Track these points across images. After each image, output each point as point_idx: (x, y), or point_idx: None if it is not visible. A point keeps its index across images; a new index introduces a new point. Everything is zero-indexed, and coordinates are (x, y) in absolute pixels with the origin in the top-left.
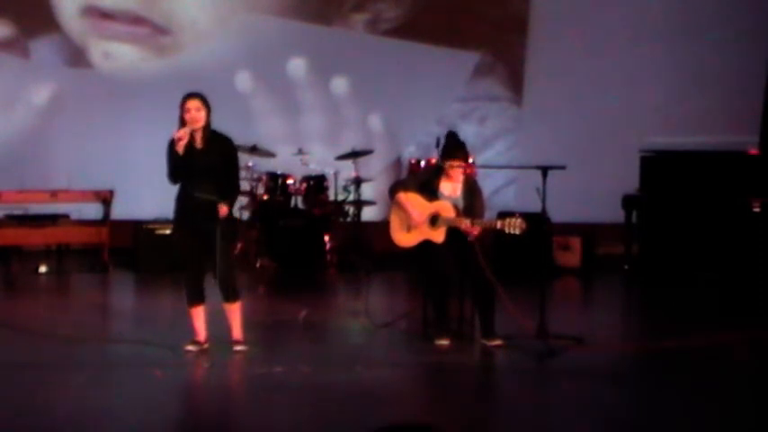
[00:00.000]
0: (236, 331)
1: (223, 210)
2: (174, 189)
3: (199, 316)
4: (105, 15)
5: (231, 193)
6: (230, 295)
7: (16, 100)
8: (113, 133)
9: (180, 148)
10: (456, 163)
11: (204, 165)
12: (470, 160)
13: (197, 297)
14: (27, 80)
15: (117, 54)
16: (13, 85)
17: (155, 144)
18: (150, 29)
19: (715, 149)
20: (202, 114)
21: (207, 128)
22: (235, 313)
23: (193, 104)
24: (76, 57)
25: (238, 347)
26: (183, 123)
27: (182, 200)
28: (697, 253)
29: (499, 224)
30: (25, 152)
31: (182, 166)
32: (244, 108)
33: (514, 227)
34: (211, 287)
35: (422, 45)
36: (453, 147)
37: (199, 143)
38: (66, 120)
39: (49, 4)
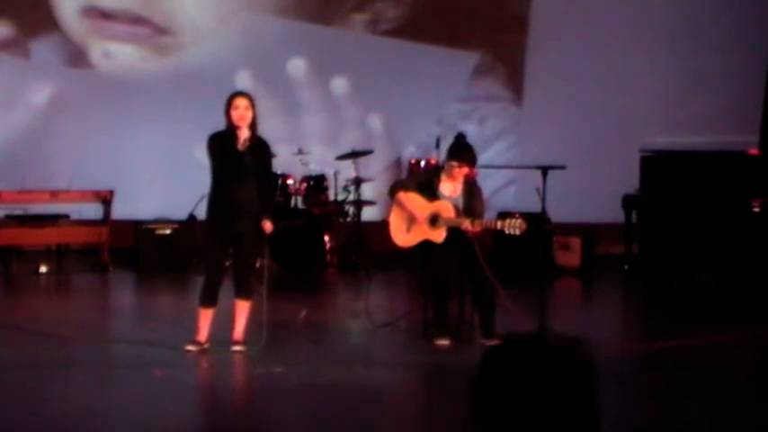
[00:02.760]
0: (239, 331)
1: (269, 227)
2: (173, 189)
3: (206, 317)
4: (105, 15)
5: (272, 203)
6: (245, 292)
7: (16, 100)
8: (113, 133)
9: (241, 145)
10: (461, 166)
11: (245, 166)
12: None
13: (211, 299)
14: (27, 80)
15: (117, 54)
16: (13, 86)
17: (155, 144)
18: (150, 29)
19: (715, 149)
20: (250, 114)
21: (252, 129)
22: (243, 312)
23: (243, 102)
24: (76, 57)
25: (237, 347)
26: (228, 119)
27: (215, 201)
28: (697, 253)
29: (499, 224)
30: (25, 152)
31: (225, 166)
32: None
33: (515, 227)
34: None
35: (422, 45)
36: (463, 149)
37: (241, 144)
38: (67, 120)
39: (50, 4)
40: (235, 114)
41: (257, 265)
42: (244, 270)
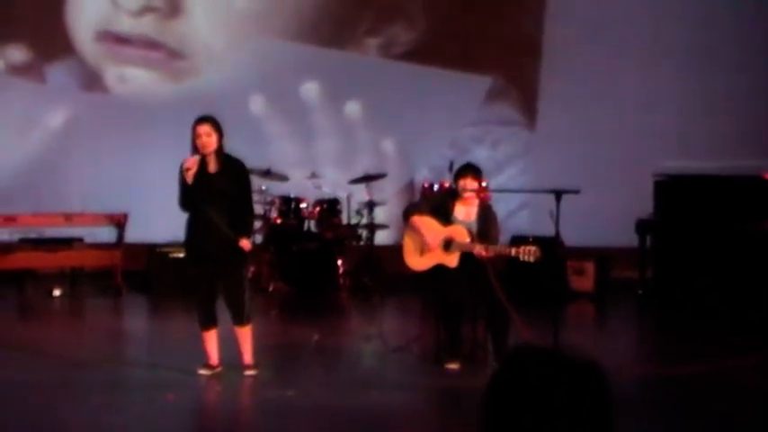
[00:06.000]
0: (247, 355)
1: (245, 244)
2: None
3: (211, 339)
4: (120, 40)
5: (248, 223)
6: (240, 319)
7: (32, 124)
8: (128, 157)
9: (189, 177)
10: (466, 181)
11: (217, 189)
12: (483, 183)
13: (209, 321)
14: (42, 104)
15: (132, 78)
16: (28, 109)
17: (169, 167)
18: (165, 53)
19: (730, 173)
20: (213, 139)
21: (219, 152)
22: (245, 337)
23: (203, 129)
24: (91, 81)
25: (249, 372)
26: (194, 148)
27: (193, 224)
28: (712, 277)
29: (513, 251)
30: (40, 176)
31: (191, 194)
32: (257, 132)
33: (529, 254)
34: (224, 310)
35: (435, 69)
36: (465, 166)
37: (211, 167)
38: (81, 143)
39: (65, 29)
40: (198, 143)
41: (270, 288)
42: (233, 296)
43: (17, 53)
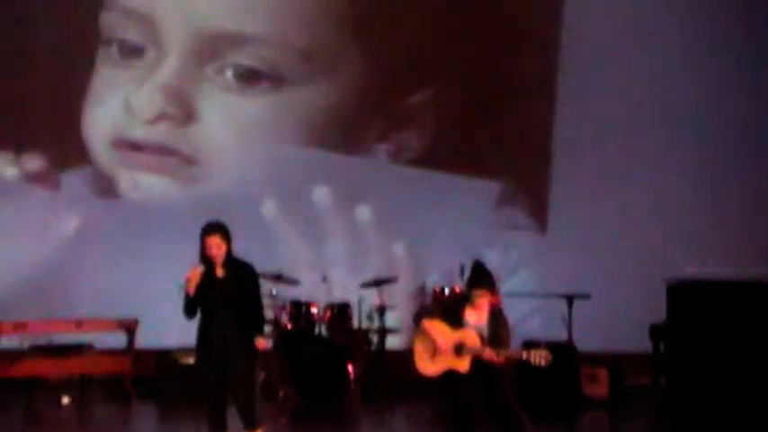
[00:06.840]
0: None
1: (260, 343)
2: (197, 318)
3: None
4: (135, 147)
5: (260, 322)
6: (251, 424)
7: (45, 231)
8: (139, 262)
9: (191, 288)
10: (481, 293)
11: (225, 294)
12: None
13: (219, 428)
14: (56, 211)
15: (145, 184)
16: (42, 216)
17: (180, 273)
18: (178, 159)
19: (743, 279)
20: (223, 250)
21: (228, 258)
22: None
23: (214, 242)
24: (105, 187)
25: None
26: (203, 257)
27: (204, 330)
28: (727, 384)
29: (525, 355)
30: (51, 282)
31: (194, 304)
32: (269, 236)
33: (540, 358)
34: (233, 416)
35: (445, 174)
36: (479, 276)
37: (219, 273)
38: (93, 249)
39: (80, 137)
40: (209, 254)
41: (280, 394)
42: (243, 400)
43: (33, 161)
